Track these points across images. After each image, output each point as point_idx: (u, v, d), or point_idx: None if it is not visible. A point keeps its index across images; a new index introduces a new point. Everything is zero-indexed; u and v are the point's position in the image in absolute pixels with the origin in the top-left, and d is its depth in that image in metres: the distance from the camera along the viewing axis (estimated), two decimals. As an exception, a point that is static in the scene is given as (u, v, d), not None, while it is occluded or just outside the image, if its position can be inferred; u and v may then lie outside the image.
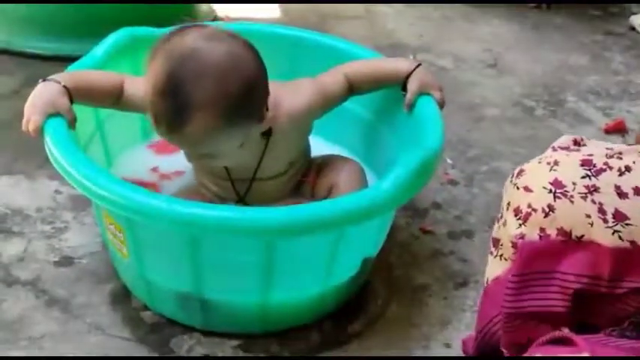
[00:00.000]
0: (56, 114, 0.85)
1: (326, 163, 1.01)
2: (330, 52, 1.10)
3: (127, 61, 1.04)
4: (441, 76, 1.54)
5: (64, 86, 0.86)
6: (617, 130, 1.43)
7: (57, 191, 1.13)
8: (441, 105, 0.97)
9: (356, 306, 0.97)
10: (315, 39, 1.12)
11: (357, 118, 1.10)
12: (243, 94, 0.82)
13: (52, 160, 0.84)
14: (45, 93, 0.86)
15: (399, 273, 1.04)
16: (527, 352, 0.67)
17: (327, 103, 0.97)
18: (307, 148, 1.03)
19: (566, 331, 0.67)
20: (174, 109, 0.80)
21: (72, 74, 0.92)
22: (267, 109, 0.87)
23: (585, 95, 1.56)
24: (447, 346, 0.93)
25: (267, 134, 0.91)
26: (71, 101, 0.87)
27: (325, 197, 0.97)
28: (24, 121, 0.86)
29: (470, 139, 1.37)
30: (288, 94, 0.91)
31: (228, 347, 0.90)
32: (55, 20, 1.46)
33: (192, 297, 0.88)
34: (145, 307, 0.95)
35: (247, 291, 0.87)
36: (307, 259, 0.85)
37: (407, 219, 1.14)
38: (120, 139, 1.07)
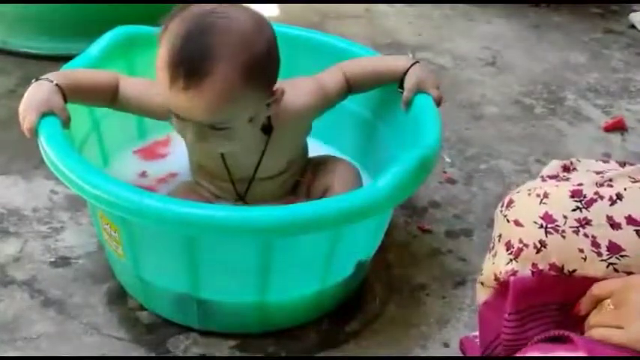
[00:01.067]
0: (50, 113, 0.84)
1: (322, 163, 1.00)
2: (329, 50, 1.09)
3: (123, 59, 1.04)
4: (441, 75, 1.54)
5: (57, 85, 0.86)
6: (617, 128, 1.42)
7: (53, 191, 1.12)
8: (438, 102, 0.97)
9: (354, 305, 0.97)
10: (313, 37, 1.12)
11: (354, 116, 1.09)
12: (265, 55, 0.82)
13: (46, 160, 0.83)
14: (38, 92, 0.85)
15: (398, 272, 1.03)
16: (523, 350, 0.66)
17: (327, 102, 0.96)
18: (305, 148, 1.02)
19: (563, 330, 0.66)
20: (197, 55, 0.78)
21: (65, 73, 0.91)
22: (274, 94, 0.86)
23: (585, 93, 1.56)
24: (446, 345, 0.92)
25: (268, 131, 0.91)
26: (65, 100, 0.87)
27: (320, 198, 0.96)
28: (20, 121, 0.86)
29: (469, 137, 1.36)
30: (288, 93, 0.90)
31: (225, 347, 0.90)
32: (51, 19, 1.45)
33: (188, 297, 0.87)
34: (142, 307, 0.94)
35: (244, 291, 0.86)
36: (304, 259, 0.85)
37: (405, 218, 1.13)
38: (116, 140, 1.06)
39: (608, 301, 0.63)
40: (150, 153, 1.09)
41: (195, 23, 0.79)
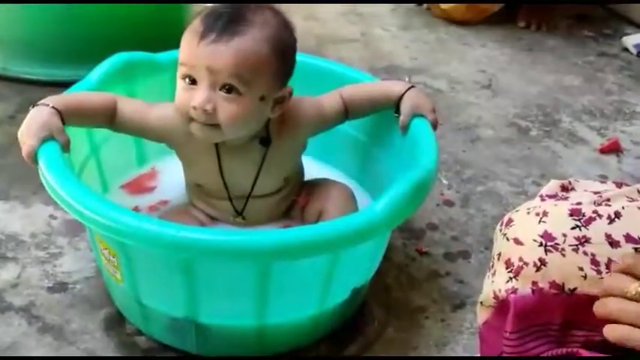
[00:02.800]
0: (49, 137, 0.85)
1: (317, 186, 1.01)
2: (326, 75, 1.10)
3: (123, 85, 1.04)
4: (437, 98, 1.55)
5: (54, 107, 0.86)
6: (612, 150, 1.43)
7: (52, 216, 1.12)
8: (435, 126, 0.97)
9: (353, 328, 0.97)
10: (311, 63, 1.13)
11: (352, 140, 1.10)
12: (290, 43, 0.89)
13: (45, 184, 0.83)
14: (36, 117, 0.86)
15: (396, 295, 1.03)
16: None
17: (324, 121, 0.98)
18: (301, 168, 1.03)
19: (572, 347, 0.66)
20: (234, 15, 0.84)
21: (62, 96, 0.92)
22: (286, 91, 0.90)
23: (580, 115, 1.57)
24: (445, 368, 0.92)
25: (266, 144, 0.92)
26: (63, 123, 0.87)
27: (315, 221, 0.97)
28: (21, 146, 0.86)
29: (465, 159, 1.37)
30: (288, 107, 0.92)
31: (223, 372, 0.90)
32: (51, 46, 1.46)
33: (186, 321, 0.87)
34: (139, 333, 0.94)
35: (243, 315, 0.86)
36: (302, 282, 0.85)
37: (403, 240, 1.13)
38: (115, 165, 1.07)
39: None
40: (137, 187, 1.08)
41: (231, 4, 0.87)
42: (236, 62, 0.82)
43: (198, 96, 0.84)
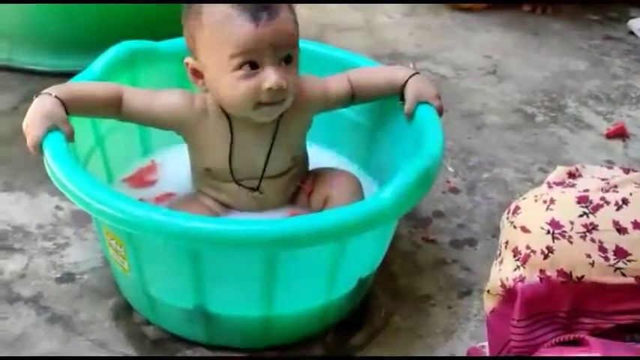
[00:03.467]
0: (53, 127, 0.85)
1: (323, 174, 1.01)
2: (330, 62, 1.09)
3: (127, 74, 1.04)
4: (441, 84, 1.54)
5: (57, 97, 0.86)
6: (618, 134, 1.43)
7: (58, 207, 1.13)
8: (440, 112, 0.97)
9: (359, 317, 0.97)
10: (314, 50, 1.12)
11: (358, 126, 1.09)
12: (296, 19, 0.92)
13: (50, 175, 0.83)
14: (39, 107, 0.86)
15: (403, 283, 1.03)
16: (537, 352, 0.66)
17: (328, 100, 0.99)
18: (306, 151, 1.04)
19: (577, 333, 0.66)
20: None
21: (66, 85, 0.92)
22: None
23: (585, 100, 1.56)
24: (452, 356, 0.92)
25: (276, 119, 0.93)
26: (67, 112, 0.87)
27: (321, 209, 0.97)
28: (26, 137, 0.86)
29: (471, 146, 1.37)
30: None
31: (231, 361, 0.90)
32: (55, 36, 1.46)
33: (195, 311, 0.87)
34: (148, 322, 0.94)
35: (250, 304, 0.86)
36: (309, 272, 0.85)
37: (409, 228, 1.13)
38: (120, 155, 1.07)
39: None
40: (138, 181, 1.07)
41: None
42: (292, 32, 0.88)
43: (271, 76, 0.86)
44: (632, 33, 1.89)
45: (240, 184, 0.97)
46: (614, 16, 1.98)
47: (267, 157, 0.95)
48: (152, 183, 1.07)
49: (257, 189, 0.97)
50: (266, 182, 0.97)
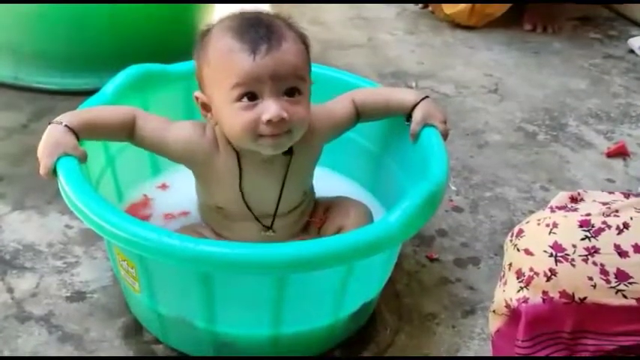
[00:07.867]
0: (65, 155, 0.86)
1: (334, 204, 1.02)
2: (333, 84, 1.11)
3: (138, 97, 1.06)
4: (443, 103, 1.57)
5: (67, 125, 0.87)
6: (619, 153, 1.44)
7: (67, 226, 1.14)
8: (445, 136, 0.99)
9: (365, 335, 0.98)
10: (318, 72, 1.14)
11: (363, 149, 1.11)
12: (307, 46, 0.91)
13: (65, 198, 0.85)
14: (49, 136, 0.87)
15: (408, 301, 1.05)
16: None
17: (337, 126, 1.00)
18: (312, 183, 1.04)
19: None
20: (265, 24, 0.86)
21: (77, 113, 0.92)
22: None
23: (586, 119, 1.58)
24: (457, 375, 0.94)
25: (289, 152, 0.92)
26: (78, 139, 0.88)
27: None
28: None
29: (473, 165, 1.39)
30: None
31: (240, 380, 0.91)
32: (62, 55, 1.48)
33: (204, 330, 0.89)
34: (158, 341, 0.95)
35: (259, 324, 0.88)
36: (317, 293, 0.86)
37: (413, 247, 1.15)
38: (130, 176, 1.08)
39: None
40: (133, 210, 1.06)
41: (244, 15, 0.88)
42: (296, 63, 0.86)
43: (271, 108, 0.84)
44: (632, 51, 1.91)
45: (258, 220, 0.96)
46: (614, 35, 2.01)
47: (279, 195, 0.95)
48: (146, 218, 1.06)
49: (270, 227, 0.97)
50: (278, 220, 0.97)
